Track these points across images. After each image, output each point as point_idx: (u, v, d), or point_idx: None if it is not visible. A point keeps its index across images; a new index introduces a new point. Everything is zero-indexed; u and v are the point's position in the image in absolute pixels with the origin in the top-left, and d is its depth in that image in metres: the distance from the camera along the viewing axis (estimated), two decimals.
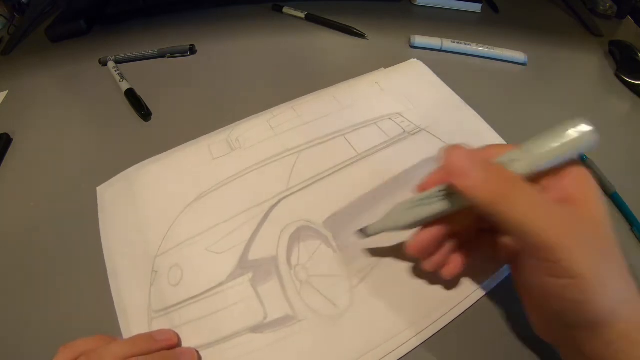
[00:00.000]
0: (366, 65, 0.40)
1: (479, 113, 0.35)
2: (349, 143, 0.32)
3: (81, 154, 0.35)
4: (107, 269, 0.26)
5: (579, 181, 0.18)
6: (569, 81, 0.41)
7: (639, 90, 0.39)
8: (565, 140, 0.18)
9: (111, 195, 0.30)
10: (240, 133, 0.33)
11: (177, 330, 0.23)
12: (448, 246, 0.23)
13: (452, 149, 0.19)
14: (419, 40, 0.44)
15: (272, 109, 0.36)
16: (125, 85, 0.40)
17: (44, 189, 0.33)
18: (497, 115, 0.35)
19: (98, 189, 0.30)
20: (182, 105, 0.39)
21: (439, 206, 0.20)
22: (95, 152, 0.35)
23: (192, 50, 0.45)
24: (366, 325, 0.23)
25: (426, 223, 0.22)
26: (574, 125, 0.18)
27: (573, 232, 0.17)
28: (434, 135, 0.33)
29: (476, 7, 0.51)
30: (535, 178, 0.19)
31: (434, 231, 0.21)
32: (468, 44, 0.43)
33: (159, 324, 0.23)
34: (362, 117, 0.34)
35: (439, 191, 0.20)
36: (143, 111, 0.37)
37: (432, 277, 0.24)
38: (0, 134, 0.37)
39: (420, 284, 0.25)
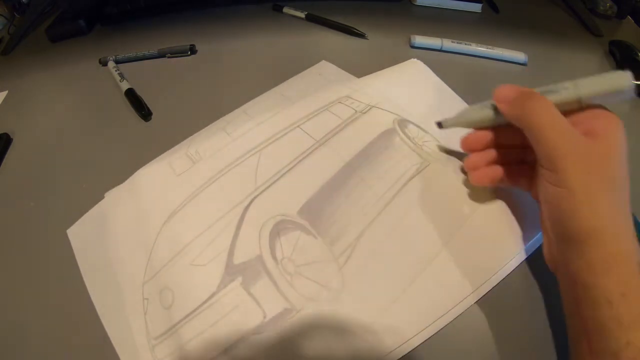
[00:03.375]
0: (366, 65, 0.40)
1: None
2: (306, 132, 0.32)
3: (81, 154, 0.35)
4: (97, 310, 0.25)
5: (607, 123, 0.21)
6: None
7: (639, 90, 0.39)
8: (602, 80, 0.21)
9: (83, 236, 0.29)
10: (198, 145, 0.33)
11: (182, 350, 0.23)
12: (489, 154, 0.26)
13: (502, 86, 0.24)
14: (419, 40, 0.44)
15: (225, 116, 0.36)
16: (125, 85, 0.40)
17: (44, 189, 0.33)
18: None
19: (68, 231, 0.29)
20: (182, 105, 0.39)
21: (488, 112, 0.25)
22: (95, 152, 0.35)
23: (192, 50, 0.45)
24: (362, 300, 0.24)
25: (483, 126, 0.26)
26: (617, 74, 0.21)
27: (578, 153, 0.20)
28: (384, 110, 0.34)
29: (476, 7, 0.51)
30: (569, 112, 0.22)
31: (483, 133, 0.26)
32: (468, 44, 0.43)
33: (161, 350, 0.23)
34: (312, 107, 0.34)
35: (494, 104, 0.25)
36: (143, 111, 0.37)
37: (410, 246, 0.26)
38: (0, 134, 0.37)
39: (400, 251, 0.26)
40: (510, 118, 0.24)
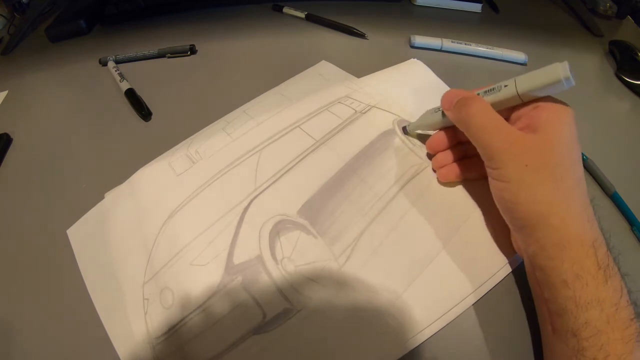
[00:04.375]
0: (366, 65, 0.40)
1: None
2: (306, 132, 0.32)
3: (81, 154, 0.35)
4: (97, 309, 0.25)
5: (548, 115, 0.22)
6: None
7: (639, 91, 0.39)
8: (538, 74, 0.22)
9: (83, 236, 0.29)
10: (199, 145, 0.33)
11: (182, 351, 0.23)
12: (452, 151, 0.28)
13: (447, 91, 0.26)
14: (419, 40, 0.44)
15: (225, 116, 0.36)
16: (125, 85, 0.40)
17: (44, 189, 0.33)
18: None
19: (68, 231, 0.29)
20: (182, 105, 0.39)
21: (438, 116, 0.28)
22: (95, 152, 0.35)
23: (192, 50, 0.45)
24: (360, 300, 0.24)
25: (440, 127, 0.28)
26: (553, 67, 0.21)
27: (513, 147, 0.21)
28: (383, 110, 0.34)
29: (476, 7, 0.51)
30: (513, 108, 0.24)
31: (442, 134, 0.28)
32: (468, 44, 0.43)
33: (162, 350, 0.23)
34: (312, 107, 0.34)
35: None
36: (143, 111, 0.37)
37: (410, 246, 0.26)
38: (0, 134, 0.37)
39: (400, 251, 0.26)
40: (453, 121, 0.25)
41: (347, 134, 0.32)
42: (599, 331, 0.18)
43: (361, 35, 0.46)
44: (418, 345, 0.23)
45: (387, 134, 0.32)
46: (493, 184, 0.23)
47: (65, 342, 0.24)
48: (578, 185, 0.21)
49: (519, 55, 0.42)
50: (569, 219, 0.20)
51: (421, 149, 0.31)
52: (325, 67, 0.41)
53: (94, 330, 0.24)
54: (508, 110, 0.24)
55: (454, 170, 0.28)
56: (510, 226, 0.24)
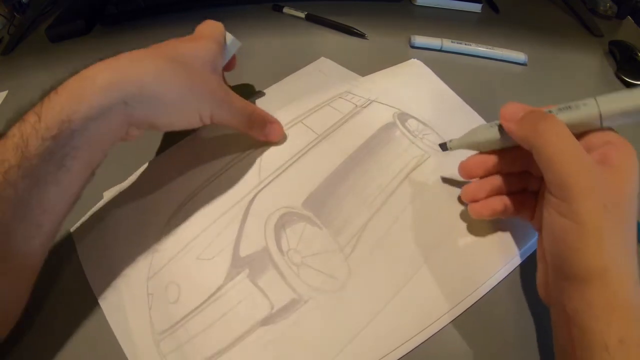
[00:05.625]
0: (366, 65, 0.40)
1: (479, 113, 0.35)
2: (308, 127, 0.32)
3: None
4: (101, 305, 0.25)
5: (623, 151, 0.20)
6: (569, 81, 0.41)
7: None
8: (627, 96, 0.19)
9: (87, 234, 0.29)
10: (201, 141, 0.33)
11: (189, 344, 0.23)
12: (490, 182, 0.25)
13: (509, 103, 0.23)
14: (419, 40, 0.44)
15: None
16: None
17: None
18: (497, 115, 0.35)
19: (72, 230, 0.29)
20: None
21: (494, 132, 0.24)
22: None
23: None
24: (368, 289, 0.24)
25: (488, 148, 0.25)
26: None
27: (594, 184, 0.18)
28: (383, 104, 0.34)
29: (476, 7, 0.51)
30: (582, 135, 0.21)
31: (483, 157, 0.25)
32: (468, 44, 0.43)
33: (166, 345, 0.23)
34: (314, 102, 0.35)
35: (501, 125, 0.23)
36: None
37: (413, 236, 0.26)
38: (1, 134, 0.37)
39: (405, 241, 0.26)
40: (518, 139, 0.22)
41: (348, 127, 0.32)
42: None
43: (361, 35, 0.46)
44: (417, 345, 0.23)
45: (388, 127, 0.32)
46: (555, 220, 0.19)
47: (69, 339, 0.24)
48: (636, 242, 0.19)
49: (519, 56, 0.42)
50: (626, 277, 0.18)
51: (422, 141, 0.31)
52: (325, 64, 0.41)
53: (98, 327, 0.24)
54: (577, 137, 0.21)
55: (490, 206, 0.24)
56: (551, 271, 0.21)
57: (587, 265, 0.18)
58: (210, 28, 0.29)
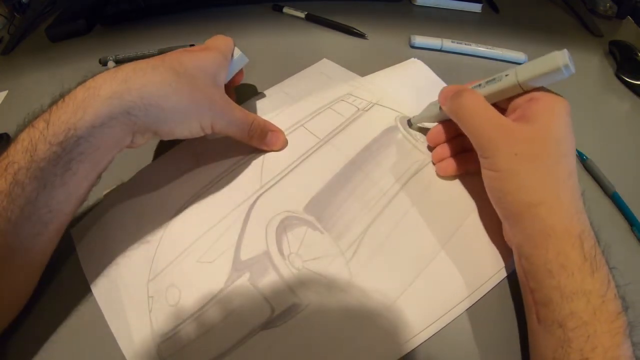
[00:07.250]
0: (366, 65, 0.40)
1: None
2: (310, 131, 0.32)
3: None
4: (101, 308, 0.25)
5: (542, 105, 0.22)
6: (569, 81, 0.41)
7: (639, 91, 0.39)
8: (538, 62, 0.22)
9: (86, 236, 0.29)
10: (202, 143, 0.32)
11: (189, 347, 0.23)
12: (452, 146, 0.29)
13: (446, 86, 0.27)
14: (419, 40, 0.44)
15: None
16: None
17: None
18: None
19: (72, 231, 0.29)
20: None
21: (436, 109, 0.29)
22: None
23: None
24: (370, 294, 0.24)
25: (440, 120, 0.29)
26: (552, 55, 0.22)
27: (504, 137, 0.22)
28: (385, 107, 0.34)
29: (476, 7, 0.51)
30: (511, 100, 0.24)
31: (441, 126, 0.29)
32: (468, 44, 0.43)
33: (167, 347, 0.23)
34: (315, 105, 0.35)
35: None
36: None
37: (415, 240, 0.27)
38: (1, 134, 0.37)
39: (406, 245, 0.26)
40: (448, 114, 0.26)
41: (350, 131, 0.32)
42: (585, 322, 0.18)
43: (361, 35, 0.46)
44: (425, 340, 0.23)
45: (390, 131, 0.32)
46: (485, 173, 0.24)
47: (69, 342, 0.24)
48: (569, 177, 0.21)
49: (519, 55, 0.42)
50: (556, 209, 0.20)
51: (424, 145, 0.31)
52: (326, 65, 0.41)
53: (99, 329, 0.24)
54: (506, 102, 0.25)
55: (451, 164, 0.28)
56: (500, 216, 0.24)
57: (512, 202, 0.22)
58: (218, 41, 0.30)
